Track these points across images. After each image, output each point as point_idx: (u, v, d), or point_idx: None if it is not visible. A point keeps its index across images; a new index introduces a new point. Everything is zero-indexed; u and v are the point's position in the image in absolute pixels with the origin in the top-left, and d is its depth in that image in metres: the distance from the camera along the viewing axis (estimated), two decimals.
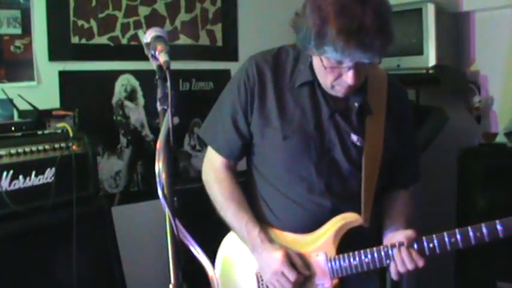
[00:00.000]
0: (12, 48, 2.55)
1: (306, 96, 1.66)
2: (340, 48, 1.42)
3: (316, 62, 1.58)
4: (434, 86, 3.10)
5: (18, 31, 2.56)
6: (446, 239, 1.55)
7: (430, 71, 2.99)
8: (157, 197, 1.09)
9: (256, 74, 1.69)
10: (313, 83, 1.64)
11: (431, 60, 2.96)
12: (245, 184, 1.85)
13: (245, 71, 1.71)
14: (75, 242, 2.14)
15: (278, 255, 1.62)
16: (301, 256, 1.66)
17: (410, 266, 1.55)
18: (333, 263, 1.64)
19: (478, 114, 3.12)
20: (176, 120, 1.06)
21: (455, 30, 3.20)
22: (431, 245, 1.55)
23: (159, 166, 1.12)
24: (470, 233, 1.54)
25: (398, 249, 1.56)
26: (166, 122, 1.15)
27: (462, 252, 2.70)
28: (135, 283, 2.62)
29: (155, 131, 3.03)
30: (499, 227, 1.50)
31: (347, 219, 1.65)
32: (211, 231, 1.82)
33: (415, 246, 1.56)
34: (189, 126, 3.20)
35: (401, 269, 1.57)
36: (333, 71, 1.52)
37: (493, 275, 2.56)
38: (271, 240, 1.67)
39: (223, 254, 1.83)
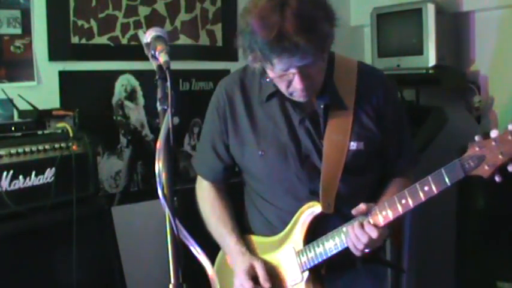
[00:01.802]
0: (12, 48, 2.55)
1: (275, 107, 1.67)
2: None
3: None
4: (434, 86, 3.10)
5: (18, 31, 2.56)
6: (397, 202, 1.51)
7: (430, 71, 2.99)
8: (157, 197, 1.09)
9: (226, 98, 1.74)
10: (280, 93, 1.64)
11: (431, 60, 2.96)
12: (239, 185, 1.87)
13: (216, 97, 1.78)
14: (75, 242, 2.15)
15: (241, 269, 1.68)
16: (273, 259, 1.71)
17: (364, 239, 1.52)
18: (301, 256, 1.66)
19: (478, 114, 3.11)
20: (176, 120, 1.07)
21: (455, 30, 3.20)
22: (384, 213, 1.53)
23: (159, 166, 1.12)
24: (419, 189, 1.48)
25: (352, 225, 1.56)
26: (166, 122, 1.15)
27: (462, 252, 2.71)
28: (135, 283, 2.62)
29: (155, 131, 3.03)
30: (444, 174, 1.45)
31: (306, 209, 1.66)
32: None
33: (369, 219, 1.54)
34: (189, 126, 3.20)
35: (358, 245, 1.54)
36: (282, 79, 1.53)
37: (493, 275, 2.55)
38: (244, 253, 1.71)
39: (219, 260, 1.88)
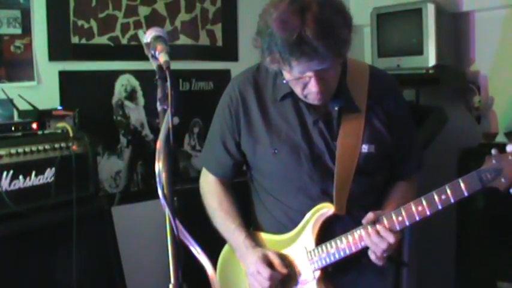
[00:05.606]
0: (12, 48, 2.55)
1: (289, 107, 1.69)
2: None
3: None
4: (434, 86, 3.10)
5: (18, 31, 2.56)
6: (413, 208, 1.53)
7: (430, 71, 2.99)
8: (157, 197, 1.09)
9: (239, 96, 1.74)
10: (294, 94, 1.65)
11: (431, 60, 2.96)
12: (245, 184, 1.87)
13: (228, 94, 1.78)
14: (75, 242, 2.15)
15: (255, 257, 1.67)
16: (283, 256, 1.70)
17: (383, 245, 1.55)
18: (313, 255, 1.67)
19: (478, 114, 3.11)
20: (176, 120, 1.07)
21: (455, 30, 3.20)
22: (400, 218, 1.55)
23: (159, 166, 1.12)
24: (435, 197, 1.51)
25: (367, 232, 1.57)
26: (166, 122, 1.15)
27: (462, 252, 2.71)
28: (135, 283, 2.62)
29: (155, 131, 3.03)
30: (462, 185, 1.50)
31: (319, 210, 1.67)
32: (212, 230, 1.83)
33: (385, 222, 1.56)
34: (189, 126, 3.20)
35: (377, 251, 1.57)
36: (298, 82, 1.54)
37: (493, 275, 2.55)
38: (255, 246, 1.72)
39: (223, 256, 1.87)
